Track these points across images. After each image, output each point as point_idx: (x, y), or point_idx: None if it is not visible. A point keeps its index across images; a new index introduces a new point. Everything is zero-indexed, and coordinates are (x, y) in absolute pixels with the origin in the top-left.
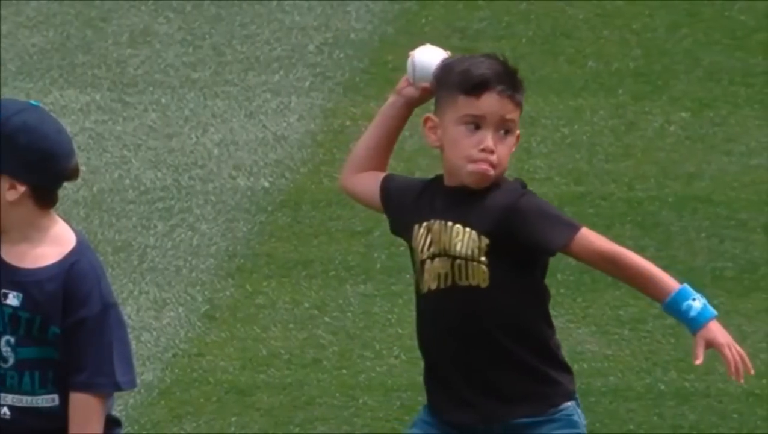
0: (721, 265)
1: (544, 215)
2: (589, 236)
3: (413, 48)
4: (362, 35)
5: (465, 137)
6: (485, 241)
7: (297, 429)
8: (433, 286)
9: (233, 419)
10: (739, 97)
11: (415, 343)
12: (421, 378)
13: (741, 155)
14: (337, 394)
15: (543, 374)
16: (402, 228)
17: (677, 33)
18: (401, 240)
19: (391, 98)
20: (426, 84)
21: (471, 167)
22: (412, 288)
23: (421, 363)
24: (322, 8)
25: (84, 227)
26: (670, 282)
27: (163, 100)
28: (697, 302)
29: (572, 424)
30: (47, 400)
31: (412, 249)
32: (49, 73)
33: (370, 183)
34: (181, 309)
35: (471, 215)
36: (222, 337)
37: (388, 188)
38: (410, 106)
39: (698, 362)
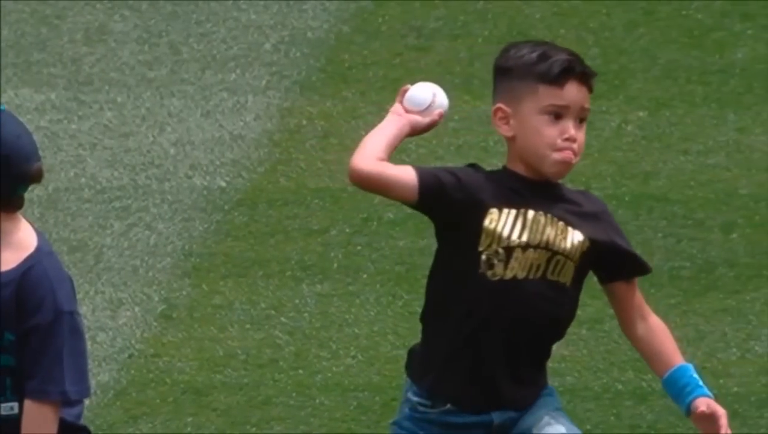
0: (678, 264)
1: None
2: None
3: (370, 47)
4: (318, 34)
5: (547, 126)
6: (586, 244)
7: (253, 429)
8: (522, 275)
9: (189, 419)
10: (696, 96)
11: (371, 343)
12: (378, 378)
13: (698, 154)
14: (294, 394)
15: (545, 365)
16: (461, 208)
17: (634, 32)
18: (357, 240)
19: (395, 117)
20: (442, 110)
21: (556, 155)
22: (369, 288)
23: (377, 364)
24: (279, 7)
25: (39, 226)
26: (680, 355)
27: (119, 99)
28: (700, 379)
29: (553, 393)
30: (6, 408)
31: (478, 230)
32: (4, 72)
33: (399, 167)
34: (137, 309)
35: (568, 214)
36: (178, 337)
37: (435, 172)
38: (415, 132)
39: (702, 409)
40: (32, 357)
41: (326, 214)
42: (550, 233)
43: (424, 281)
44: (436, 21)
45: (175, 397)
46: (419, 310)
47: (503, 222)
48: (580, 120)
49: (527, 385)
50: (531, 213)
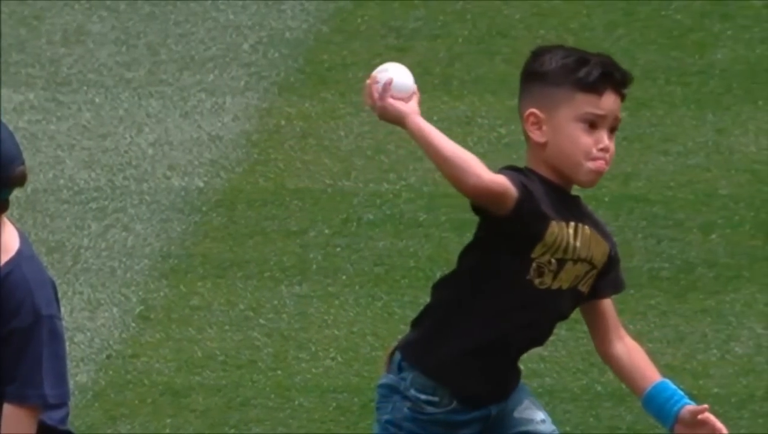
0: (658, 265)
1: None
2: None
3: (349, 47)
4: (297, 34)
5: (583, 134)
6: (608, 259)
7: (232, 431)
8: (565, 286)
9: (168, 421)
10: (675, 96)
11: (350, 344)
12: (357, 380)
13: (678, 155)
14: (273, 395)
15: None
16: (528, 218)
17: (614, 32)
18: (337, 241)
19: (418, 115)
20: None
21: (591, 164)
22: (348, 289)
23: (356, 365)
24: (257, 7)
25: None
26: (658, 372)
27: (97, 100)
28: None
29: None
30: None
31: (537, 240)
32: None
33: (499, 176)
34: (115, 310)
35: (597, 229)
36: (156, 338)
37: (521, 180)
38: None
39: (702, 409)
40: (11, 361)
41: (305, 215)
42: (594, 248)
43: (403, 282)
44: (416, 21)
45: (154, 398)
46: (398, 311)
47: (563, 235)
48: (611, 129)
49: (518, 374)
50: (580, 226)
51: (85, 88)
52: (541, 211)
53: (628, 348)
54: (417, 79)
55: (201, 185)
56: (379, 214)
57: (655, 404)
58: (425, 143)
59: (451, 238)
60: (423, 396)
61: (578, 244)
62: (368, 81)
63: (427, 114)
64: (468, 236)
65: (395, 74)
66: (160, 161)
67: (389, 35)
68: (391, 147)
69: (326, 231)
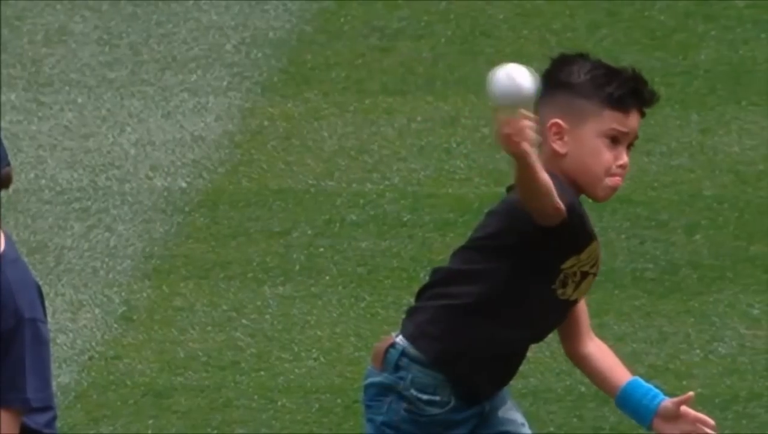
0: (642, 266)
1: None
2: None
3: (332, 47)
4: (280, 34)
5: (605, 149)
6: None
7: (215, 432)
8: (580, 297)
9: (150, 422)
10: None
11: (333, 345)
12: (340, 380)
13: (661, 155)
14: (255, 396)
15: None
16: (581, 238)
17: (597, 33)
18: (320, 241)
19: (534, 154)
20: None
21: (609, 180)
22: (331, 289)
23: (339, 366)
24: (240, 7)
25: None
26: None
27: (79, 100)
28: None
29: None
30: None
31: (573, 254)
32: None
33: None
34: (97, 311)
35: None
36: (139, 339)
37: (571, 195)
38: None
39: (690, 394)
40: None
41: (288, 215)
42: (596, 258)
43: (387, 283)
44: (399, 21)
45: (136, 400)
46: (381, 312)
47: (597, 252)
48: (629, 146)
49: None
50: (596, 241)
51: (67, 88)
52: (589, 228)
53: (600, 348)
54: (400, 79)
55: (184, 185)
56: (362, 214)
57: (631, 400)
58: (528, 173)
59: (435, 238)
60: (424, 396)
61: (599, 259)
62: (516, 125)
63: (410, 115)
64: (452, 237)
65: (520, 86)
66: (142, 162)
67: (372, 35)
68: (375, 147)
69: (309, 232)
